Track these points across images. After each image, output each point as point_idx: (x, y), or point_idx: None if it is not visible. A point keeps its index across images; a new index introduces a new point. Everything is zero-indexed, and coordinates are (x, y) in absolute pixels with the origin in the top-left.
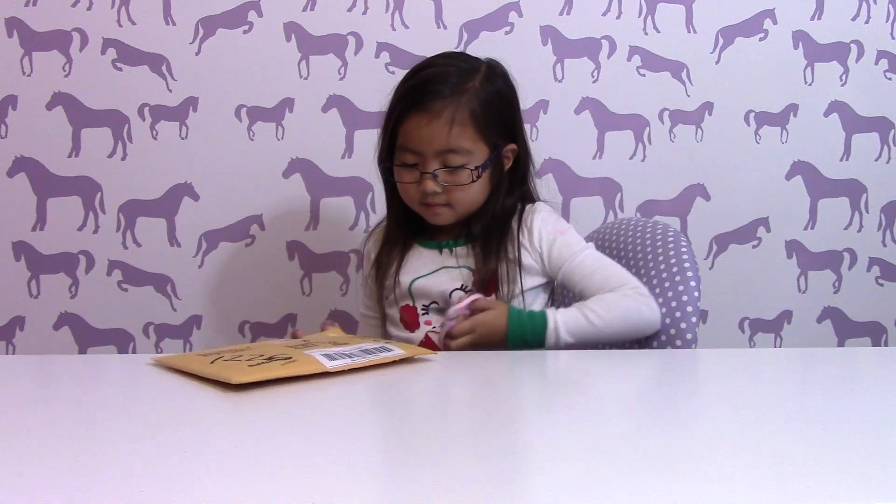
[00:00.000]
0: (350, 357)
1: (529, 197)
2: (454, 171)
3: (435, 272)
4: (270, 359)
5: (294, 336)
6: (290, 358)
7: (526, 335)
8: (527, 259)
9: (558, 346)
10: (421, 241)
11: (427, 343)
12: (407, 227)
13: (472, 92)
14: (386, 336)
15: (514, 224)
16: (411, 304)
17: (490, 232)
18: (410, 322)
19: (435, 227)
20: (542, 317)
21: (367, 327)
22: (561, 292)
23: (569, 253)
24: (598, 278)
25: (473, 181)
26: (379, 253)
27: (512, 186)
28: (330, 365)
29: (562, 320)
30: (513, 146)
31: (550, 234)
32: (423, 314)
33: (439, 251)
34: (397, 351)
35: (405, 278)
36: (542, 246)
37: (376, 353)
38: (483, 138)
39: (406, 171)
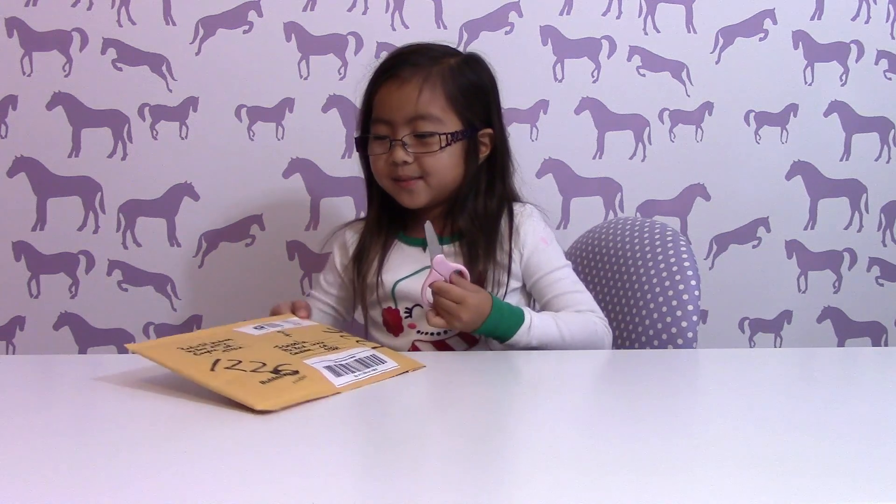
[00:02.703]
0: (353, 372)
1: (514, 197)
2: (423, 139)
3: (418, 272)
4: (277, 372)
5: (295, 308)
6: (297, 372)
7: (500, 325)
8: (514, 262)
9: (520, 344)
10: (402, 237)
11: (414, 351)
12: (389, 222)
13: (447, 66)
14: (364, 337)
15: (504, 225)
16: (393, 307)
17: (476, 233)
18: (394, 325)
19: (417, 223)
20: (519, 313)
21: (313, 310)
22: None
23: (548, 266)
24: (570, 300)
25: (442, 147)
26: (358, 248)
27: (492, 183)
28: (338, 383)
29: (536, 323)
30: (489, 130)
31: (536, 241)
32: (406, 317)
33: (422, 249)
34: (391, 363)
35: (388, 278)
36: (524, 250)
37: (373, 364)
38: (455, 111)
39: (378, 143)
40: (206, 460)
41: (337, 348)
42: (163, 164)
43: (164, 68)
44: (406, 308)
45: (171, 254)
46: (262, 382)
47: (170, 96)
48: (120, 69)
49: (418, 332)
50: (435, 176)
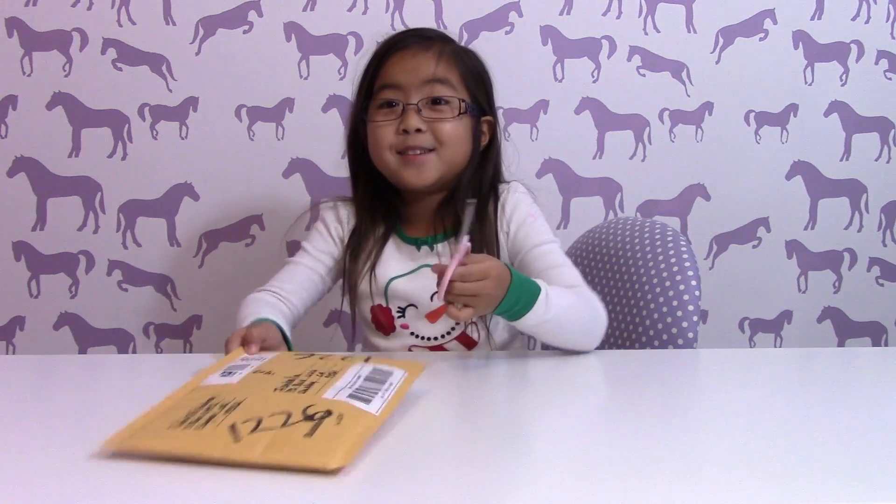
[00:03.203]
0: (376, 394)
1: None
2: (439, 106)
3: (414, 272)
4: (312, 417)
5: (246, 341)
6: (330, 412)
7: (521, 293)
8: (501, 245)
9: (544, 317)
10: (401, 232)
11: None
12: (385, 211)
13: (457, 46)
14: (353, 333)
15: (491, 208)
16: (384, 305)
17: (473, 219)
18: (384, 325)
19: (413, 217)
20: (532, 281)
21: (294, 273)
22: None
23: (536, 240)
24: (560, 274)
25: (459, 114)
26: (354, 234)
27: (485, 173)
28: (374, 411)
29: (550, 291)
30: (489, 118)
31: (522, 215)
32: (399, 317)
33: (417, 248)
34: (397, 372)
35: (381, 273)
36: (510, 226)
37: (384, 379)
38: (466, 87)
39: (383, 112)
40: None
41: (335, 373)
42: (163, 164)
43: (164, 68)
44: (399, 308)
45: (171, 254)
46: (307, 435)
47: (170, 96)
48: (120, 69)
49: (412, 334)
50: (448, 147)
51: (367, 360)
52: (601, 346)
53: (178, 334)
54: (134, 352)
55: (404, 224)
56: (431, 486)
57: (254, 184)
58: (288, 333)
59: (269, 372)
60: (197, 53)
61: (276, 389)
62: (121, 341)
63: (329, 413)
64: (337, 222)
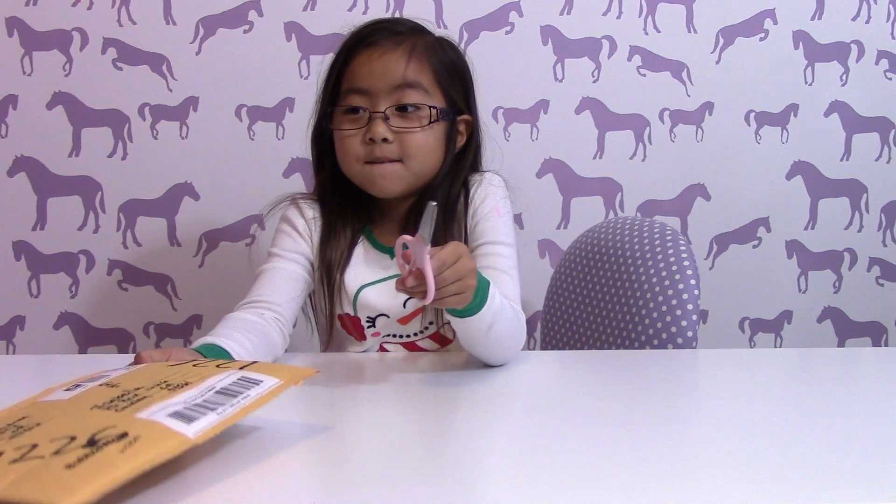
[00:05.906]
0: (212, 410)
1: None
2: (408, 114)
3: (384, 280)
4: (94, 443)
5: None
6: (125, 435)
7: (482, 281)
8: (468, 235)
9: (489, 315)
10: (372, 238)
11: (383, 352)
12: (354, 210)
13: (431, 39)
14: (330, 335)
15: (461, 205)
16: (353, 314)
17: (439, 225)
18: (354, 332)
19: (384, 221)
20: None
21: (271, 277)
22: None
23: (490, 237)
24: (498, 278)
25: (430, 123)
26: (325, 233)
27: (459, 176)
28: (191, 432)
29: (494, 291)
30: (467, 117)
31: (487, 208)
32: (369, 326)
33: (391, 256)
34: (270, 380)
35: (351, 279)
36: (475, 217)
37: (242, 391)
38: (440, 88)
39: (349, 119)
40: (201, 461)
41: (188, 384)
42: (163, 163)
43: (164, 68)
44: (368, 318)
45: (171, 254)
46: (70, 466)
47: (170, 96)
48: (120, 69)
49: (385, 335)
50: (415, 160)
51: (245, 367)
52: (601, 346)
53: (178, 334)
54: (134, 352)
55: (375, 228)
56: (429, 486)
57: (254, 184)
58: (233, 352)
59: (114, 385)
60: (197, 53)
61: (94, 407)
62: (121, 341)
63: (123, 436)
64: (303, 221)
